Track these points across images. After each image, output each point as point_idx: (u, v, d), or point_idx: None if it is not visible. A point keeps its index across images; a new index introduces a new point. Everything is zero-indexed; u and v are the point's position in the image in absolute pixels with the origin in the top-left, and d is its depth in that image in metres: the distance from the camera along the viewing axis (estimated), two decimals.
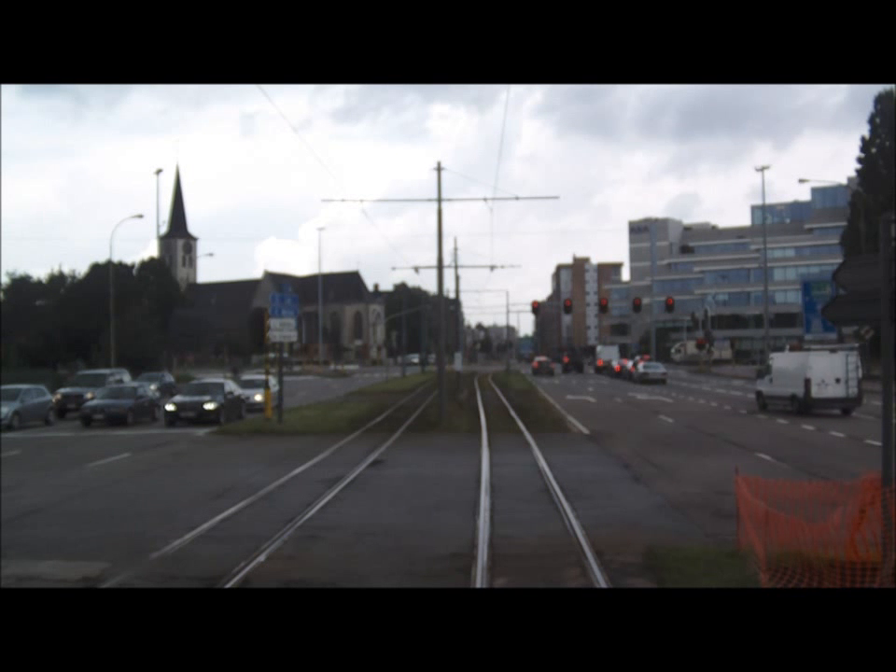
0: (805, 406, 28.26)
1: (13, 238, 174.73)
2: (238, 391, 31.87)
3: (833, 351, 29.54)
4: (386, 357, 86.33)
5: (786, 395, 29.55)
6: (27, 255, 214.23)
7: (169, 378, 46.00)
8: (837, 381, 28.11)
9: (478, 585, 8.50)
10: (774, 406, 30.27)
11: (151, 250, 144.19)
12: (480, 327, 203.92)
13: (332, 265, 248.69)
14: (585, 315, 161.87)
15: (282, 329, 27.90)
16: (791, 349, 32.97)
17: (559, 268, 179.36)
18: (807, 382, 28.11)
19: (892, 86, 61.77)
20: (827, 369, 28.34)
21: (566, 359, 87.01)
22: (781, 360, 31.13)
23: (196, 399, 29.14)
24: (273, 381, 31.13)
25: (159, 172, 70.34)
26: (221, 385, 30.97)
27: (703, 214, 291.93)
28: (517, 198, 76.18)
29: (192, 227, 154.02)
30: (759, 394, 31.94)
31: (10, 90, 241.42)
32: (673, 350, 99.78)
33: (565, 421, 27.43)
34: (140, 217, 76.81)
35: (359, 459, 18.49)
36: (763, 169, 73.08)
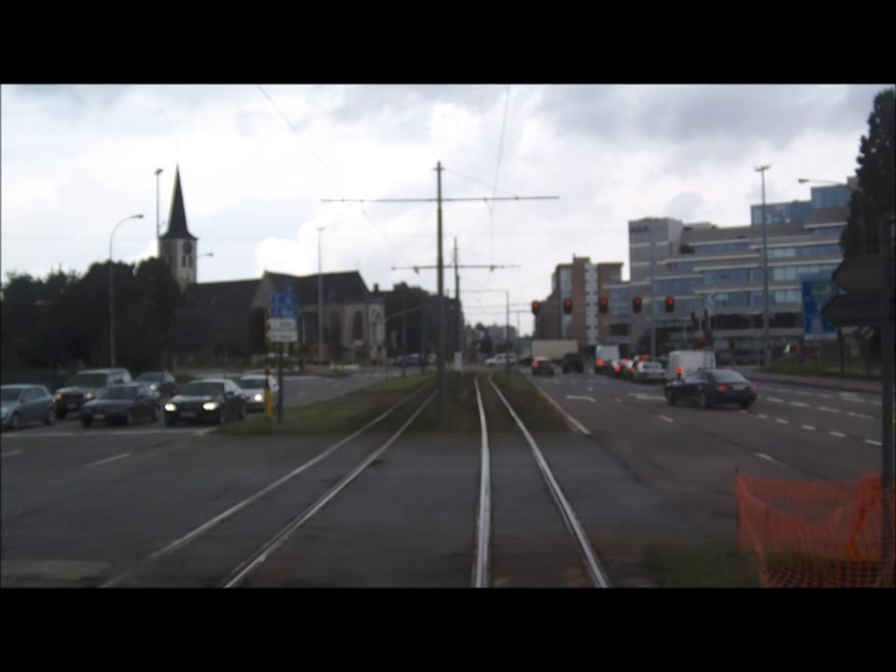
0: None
1: (13, 238, 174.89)
2: (238, 391, 31.86)
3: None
4: (386, 357, 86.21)
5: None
6: (27, 255, 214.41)
7: (169, 378, 45.96)
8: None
9: (478, 585, 8.50)
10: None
11: (151, 250, 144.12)
12: (480, 327, 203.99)
13: (332, 265, 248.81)
14: (585, 314, 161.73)
15: (282, 329, 27.90)
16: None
17: (559, 268, 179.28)
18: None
19: (892, 86, 61.78)
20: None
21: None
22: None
23: (196, 399, 29.11)
24: (273, 381, 31.12)
25: (159, 172, 70.46)
26: (221, 385, 30.94)
27: (703, 214, 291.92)
28: (517, 198, 76.04)
29: (192, 227, 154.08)
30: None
31: (8, 89, 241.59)
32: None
33: (565, 421, 27.43)
34: (140, 217, 76.99)
35: (359, 459, 18.49)
36: (763, 169, 73.38)
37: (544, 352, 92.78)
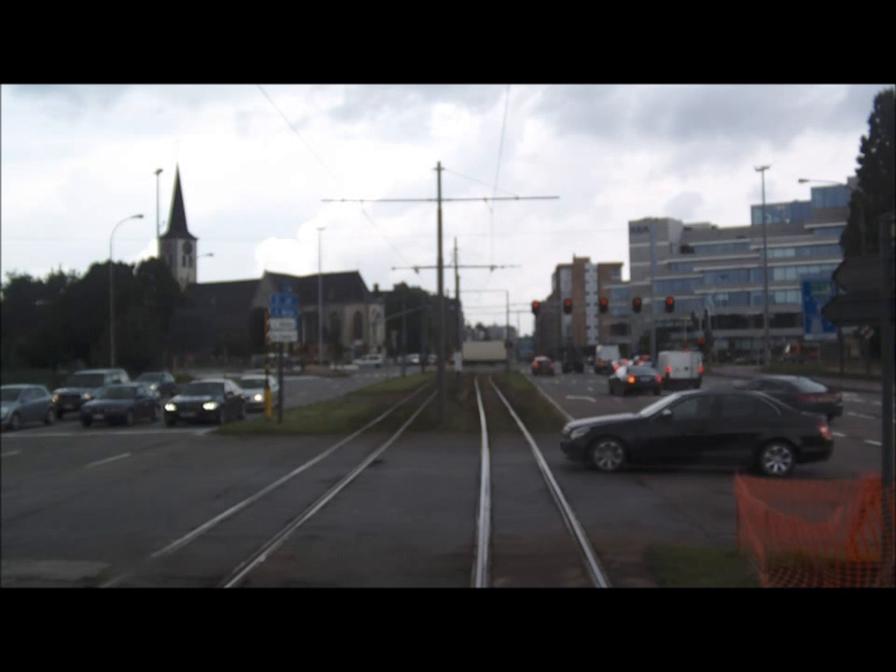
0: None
1: (13, 238, 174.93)
2: (238, 391, 31.85)
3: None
4: (386, 357, 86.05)
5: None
6: (27, 255, 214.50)
7: (169, 378, 45.93)
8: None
9: (478, 585, 8.50)
10: None
11: (151, 250, 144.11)
12: (480, 327, 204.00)
13: (332, 265, 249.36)
14: (585, 314, 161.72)
15: (282, 329, 27.88)
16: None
17: (559, 268, 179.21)
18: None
19: (892, 86, 61.79)
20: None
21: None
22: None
23: (196, 398, 29.10)
24: (273, 381, 31.12)
25: (159, 172, 70.71)
26: (221, 385, 30.92)
27: (703, 214, 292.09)
28: (517, 198, 76.19)
29: (192, 227, 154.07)
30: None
31: (8, 89, 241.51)
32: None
33: (565, 421, 27.38)
34: (140, 217, 76.96)
35: (359, 459, 18.48)
36: (763, 169, 73.33)
37: (474, 354, 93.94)
